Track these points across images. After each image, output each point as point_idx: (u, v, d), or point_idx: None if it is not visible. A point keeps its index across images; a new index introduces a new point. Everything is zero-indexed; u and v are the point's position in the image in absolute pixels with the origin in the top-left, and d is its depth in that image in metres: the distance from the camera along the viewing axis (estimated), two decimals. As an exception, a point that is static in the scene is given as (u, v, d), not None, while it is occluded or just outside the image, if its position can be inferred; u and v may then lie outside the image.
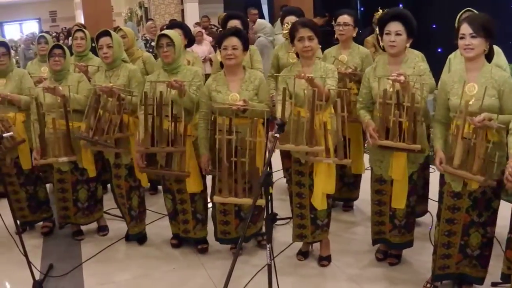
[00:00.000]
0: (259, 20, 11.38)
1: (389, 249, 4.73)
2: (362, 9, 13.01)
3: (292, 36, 4.48)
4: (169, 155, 4.70)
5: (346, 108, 4.31)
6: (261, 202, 3.96)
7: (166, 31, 4.81)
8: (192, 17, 15.39)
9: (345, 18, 5.36)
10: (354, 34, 5.45)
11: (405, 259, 4.73)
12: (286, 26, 5.32)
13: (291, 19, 5.60)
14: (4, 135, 4.52)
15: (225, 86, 4.59)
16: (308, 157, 4.40)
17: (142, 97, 4.61)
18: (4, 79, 5.40)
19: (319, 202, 4.52)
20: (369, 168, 4.65)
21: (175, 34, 4.80)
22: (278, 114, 4.24)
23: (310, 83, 4.16)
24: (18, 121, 5.34)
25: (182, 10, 16.54)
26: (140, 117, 4.69)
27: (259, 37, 9.35)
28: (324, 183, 4.46)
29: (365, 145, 5.36)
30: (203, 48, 10.91)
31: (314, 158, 4.36)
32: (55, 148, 5.06)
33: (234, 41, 4.49)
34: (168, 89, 4.51)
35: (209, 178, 4.92)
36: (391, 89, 4.08)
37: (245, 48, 4.60)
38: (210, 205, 5.10)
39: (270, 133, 4.06)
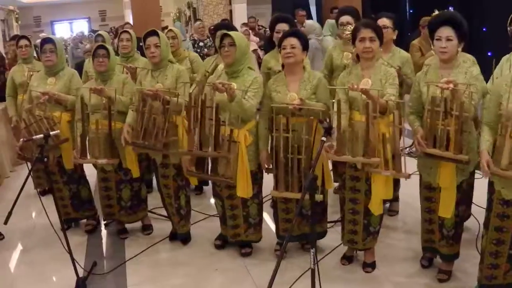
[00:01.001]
0: (308, 21, 11.28)
1: (435, 256, 4.64)
2: (411, 11, 12.83)
3: (354, 36, 4.44)
4: (215, 160, 4.70)
5: None
6: (319, 197, 4.36)
7: (230, 32, 4.75)
8: (240, 18, 15.37)
9: (383, 21, 5.28)
10: (394, 37, 5.38)
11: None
12: (349, 27, 5.25)
13: (346, 19, 5.58)
14: (51, 133, 4.55)
15: (284, 86, 4.64)
16: (367, 167, 4.35)
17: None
18: (54, 77, 5.47)
19: (377, 207, 4.49)
20: (418, 173, 4.55)
21: (239, 36, 4.75)
22: (334, 124, 4.22)
23: (365, 94, 4.13)
24: (63, 121, 5.38)
25: (231, 11, 16.53)
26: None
27: (309, 39, 9.29)
28: (383, 188, 4.42)
29: (408, 150, 5.26)
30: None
31: (373, 169, 4.31)
32: (95, 149, 5.10)
33: (292, 40, 4.55)
34: (213, 91, 4.48)
35: (266, 181, 4.93)
36: (440, 95, 3.99)
37: (304, 48, 4.63)
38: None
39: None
